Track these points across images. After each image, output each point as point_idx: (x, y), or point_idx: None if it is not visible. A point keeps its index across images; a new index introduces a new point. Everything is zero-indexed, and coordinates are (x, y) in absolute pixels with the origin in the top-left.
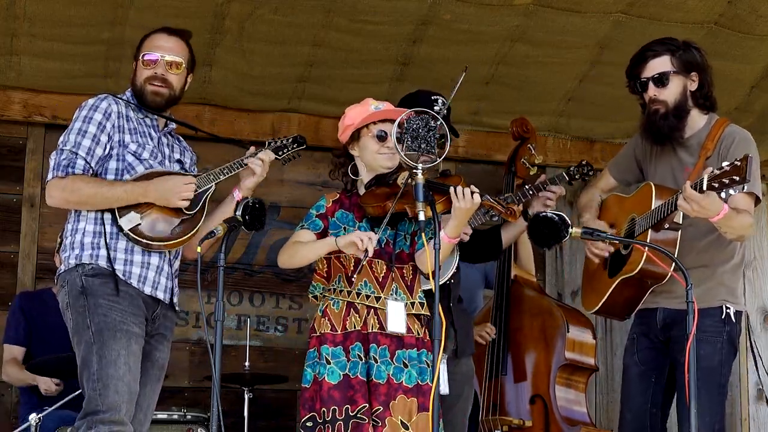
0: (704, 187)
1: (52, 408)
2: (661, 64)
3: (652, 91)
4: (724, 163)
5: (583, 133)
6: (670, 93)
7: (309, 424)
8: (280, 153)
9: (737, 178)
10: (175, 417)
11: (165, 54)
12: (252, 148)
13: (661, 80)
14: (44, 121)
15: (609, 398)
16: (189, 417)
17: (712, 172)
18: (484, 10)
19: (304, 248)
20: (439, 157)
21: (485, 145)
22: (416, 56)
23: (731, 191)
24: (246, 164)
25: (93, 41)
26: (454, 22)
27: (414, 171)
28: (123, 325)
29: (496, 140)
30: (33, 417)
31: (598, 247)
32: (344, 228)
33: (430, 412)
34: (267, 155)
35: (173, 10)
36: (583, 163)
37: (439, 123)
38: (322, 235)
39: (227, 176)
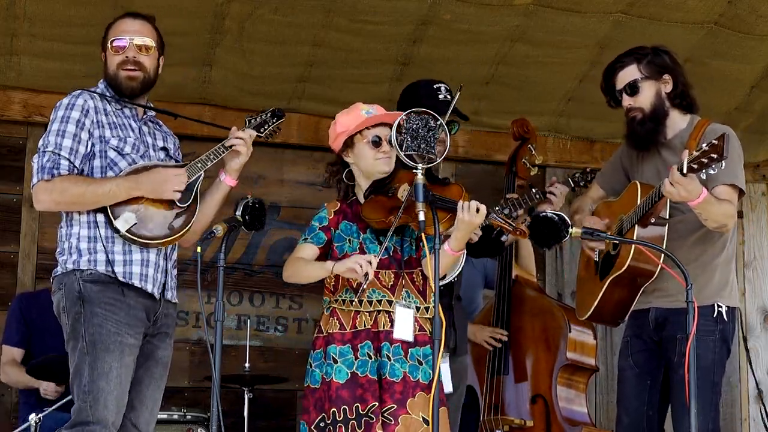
0: (684, 170)
1: (52, 408)
2: (629, 73)
3: (627, 100)
4: (703, 144)
5: (583, 133)
6: (644, 99)
7: (322, 425)
8: (261, 129)
9: (715, 156)
10: (175, 417)
11: (133, 37)
12: (233, 129)
13: (633, 89)
14: (44, 121)
15: (609, 398)
16: (189, 417)
17: (691, 153)
18: (484, 10)
19: (305, 268)
20: (448, 137)
21: (485, 145)
22: (416, 56)
23: (711, 170)
24: (230, 146)
25: (93, 41)
26: (454, 22)
27: (414, 171)
28: (117, 336)
29: (496, 140)
30: (33, 417)
31: (589, 245)
32: (348, 240)
33: (430, 411)
34: (248, 133)
35: (173, 10)
36: (588, 170)
37: (439, 123)
38: (325, 248)
39: (214, 162)
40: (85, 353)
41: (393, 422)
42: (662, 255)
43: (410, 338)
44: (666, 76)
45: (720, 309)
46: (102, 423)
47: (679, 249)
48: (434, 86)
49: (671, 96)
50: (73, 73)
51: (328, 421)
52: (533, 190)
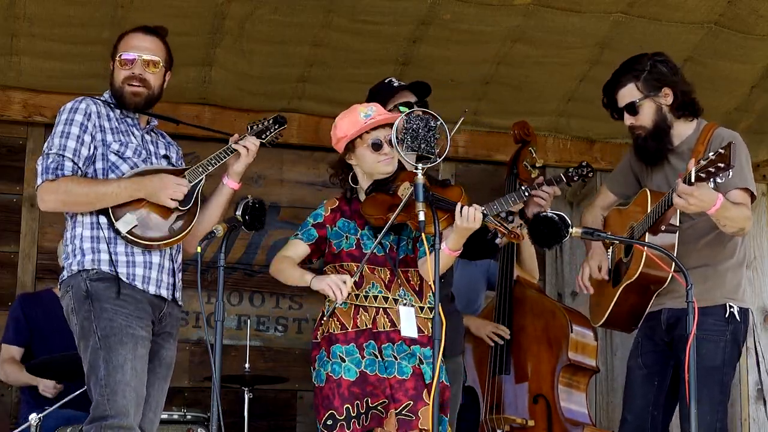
0: (692, 179)
1: (53, 408)
2: (628, 93)
3: (628, 119)
4: (710, 153)
5: (583, 133)
6: (645, 117)
7: (329, 422)
8: (263, 136)
9: (722, 165)
10: (175, 417)
11: (142, 53)
12: (236, 135)
13: (632, 109)
14: (44, 121)
15: (609, 399)
16: (189, 417)
17: (699, 162)
18: (484, 10)
19: (288, 271)
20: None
21: (485, 145)
22: (416, 56)
23: (719, 179)
24: (233, 151)
25: (93, 41)
26: (454, 22)
27: (414, 171)
28: (129, 329)
29: (496, 140)
30: (33, 417)
31: (585, 285)
32: (346, 237)
33: (430, 411)
34: (253, 142)
35: (173, 10)
36: (583, 164)
37: (439, 123)
38: (316, 245)
39: (216, 166)
40: (98, 348)
41: (414, 418)
42: (672, 263)
43: (415, 335)
44: (665, 90)
45: (732, 309)
46: (121, 415)
47: (689, 254)
48: (385, 81)
49: (673, 108)
50: (73, 73)
51: (339, 418)
52: (522, 188)
